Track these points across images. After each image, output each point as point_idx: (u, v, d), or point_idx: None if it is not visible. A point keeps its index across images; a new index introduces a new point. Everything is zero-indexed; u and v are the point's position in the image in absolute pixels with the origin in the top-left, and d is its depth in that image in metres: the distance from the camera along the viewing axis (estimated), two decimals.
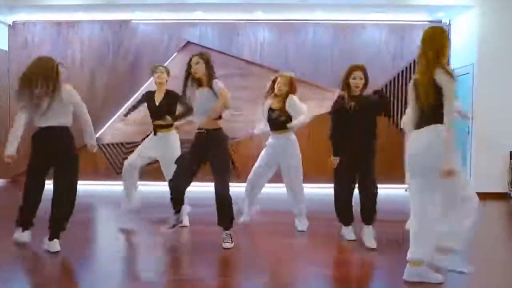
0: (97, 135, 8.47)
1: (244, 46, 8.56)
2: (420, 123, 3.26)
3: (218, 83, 4.19)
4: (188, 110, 4.41)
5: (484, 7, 7.58)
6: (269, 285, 3.49)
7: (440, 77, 3.12)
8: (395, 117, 8.28)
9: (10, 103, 8.46)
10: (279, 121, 4.80)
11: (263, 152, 5.02)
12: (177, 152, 4.92)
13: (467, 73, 7.91)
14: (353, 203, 4.49)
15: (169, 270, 3.87)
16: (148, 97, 5.18)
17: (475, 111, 7.54)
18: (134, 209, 5.22)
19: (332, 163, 4.40)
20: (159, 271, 3.80)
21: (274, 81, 4.91)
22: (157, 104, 5.07)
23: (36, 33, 8.65)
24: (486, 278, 3.61)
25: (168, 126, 5.02)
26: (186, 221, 5.08)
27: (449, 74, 3.13)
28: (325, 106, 7.77)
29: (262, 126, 5.07)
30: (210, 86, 4.19)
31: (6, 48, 8.63)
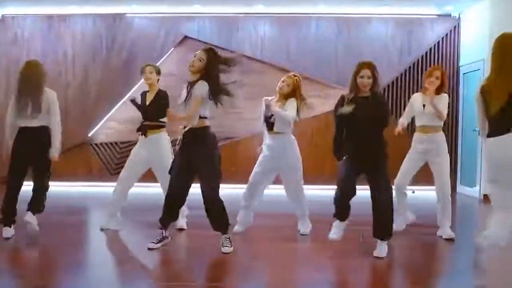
0: (90, 134, 8.48)
1: (244, 41, 8.55)
2: (497, 130, 3.24)
3: (199, 87, 4.09)
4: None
5: None
6: None
7: None
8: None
9: None
10: (269, 120, 4.76)
11: (261, 157, 4.89)
12: (168, 155, 4.87)
13: (478, 70, 7.89)
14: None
15: (164, 275, 3.86)
16: (142, 97, 5.17)
17: None
18: (112, 228, 5.12)
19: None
20: (153, 276, 3.79)
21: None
22: (147, 103, 5.06)
23: (26, 27, 8.63)
24: None
25: (159, 127, 5.01)
26: (183, 223, 5.07)
27: None
28: (328, 104, 7.77)
29: (265, 139, 4.95)
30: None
31: None
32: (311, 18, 8.55)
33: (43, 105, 4.56)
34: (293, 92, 4.76)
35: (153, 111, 4.94)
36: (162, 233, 4.28)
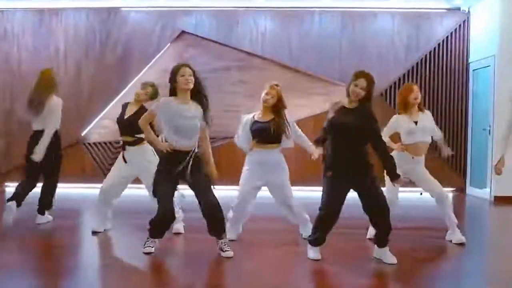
0: (83, 133, 8.45)
1: (244, 36, 8.52)
2: None
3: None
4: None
5: None
6: None
7: None
8: None
9: None
10: (270, 134, 4.68)
11: (247, 174, 4.77)
12: (155, 161, 4.67)
13: (488, 66, 7.87)
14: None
15: (160, 280, 3.83)
16: (123, 108, 5.15)
17: (496, 108, 7.47)
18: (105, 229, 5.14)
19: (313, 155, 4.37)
20: (148, 283, 3.76)
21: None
22: (125, 117, 5.01)
23: (16, 21, 8.60)
24: None
25: (136, 143, 4.97)
26: (180, 227, 5.06)
27: None
28: (330, 101, 7.71)
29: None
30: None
31: None
32: (314, 12, 8.52)
33: (45, 111, 5.19)
34: (278, 103, 4.73)
35: (131, 125, 4.83)
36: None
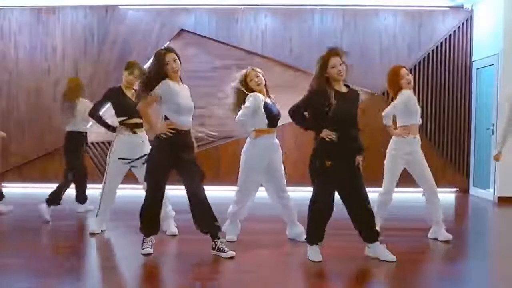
0: None
1: (244, 35, 8.59)
2: None
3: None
4: None
5: None
6: None
7: None
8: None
9: None
10: (277, 116, 4.79)
11: (249, 163, 4.73)
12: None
13: (491, 65, 7.92)
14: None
15: (160, 280, 3.89)
16: (116, 93, 5.22)
17: (499, 107, 7.53)
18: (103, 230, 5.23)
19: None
20: (148, 283, 3.82)
21: (246, 76, 4.76)
22: (127, 100, 5.13)
23: (13, 19, 8.68)
24: None
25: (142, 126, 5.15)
26: (174, 229, 5.10)
27: None
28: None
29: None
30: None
31: None
32: (315, 10, 8.58)
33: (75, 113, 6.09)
34: (265, 84, 4.86)
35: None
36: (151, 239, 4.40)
